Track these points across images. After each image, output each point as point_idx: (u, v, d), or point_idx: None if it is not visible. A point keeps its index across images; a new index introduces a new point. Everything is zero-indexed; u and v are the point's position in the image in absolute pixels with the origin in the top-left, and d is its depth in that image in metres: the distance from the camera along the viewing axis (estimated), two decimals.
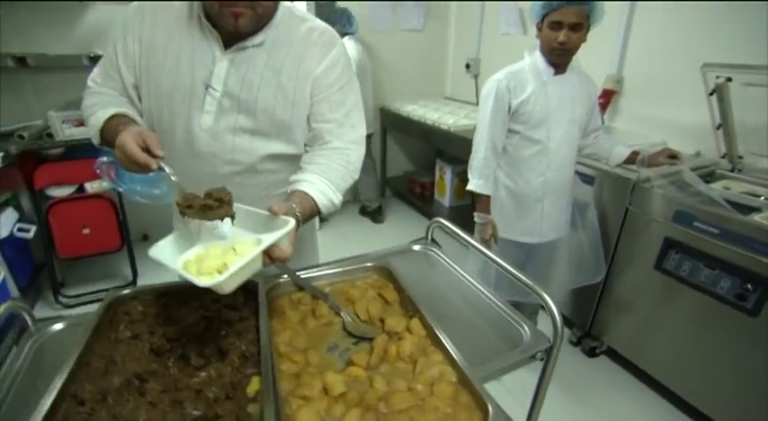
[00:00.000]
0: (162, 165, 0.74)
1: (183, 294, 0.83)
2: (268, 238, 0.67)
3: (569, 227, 1.66)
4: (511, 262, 1.57)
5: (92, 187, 2.18)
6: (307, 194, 0.86)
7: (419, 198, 3.46)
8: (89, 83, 0.95)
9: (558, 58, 1.37)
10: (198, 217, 0.70)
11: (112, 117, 0.85)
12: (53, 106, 2.11)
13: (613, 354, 1.94)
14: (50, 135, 2.05)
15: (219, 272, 0.63)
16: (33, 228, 2.05)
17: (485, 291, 0.96)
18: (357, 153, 0.97)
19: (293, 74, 0.90)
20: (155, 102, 0.90)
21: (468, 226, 1.59)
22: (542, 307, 0.80)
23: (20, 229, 2.00)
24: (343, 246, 2.98)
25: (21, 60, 1.90)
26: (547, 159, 1.46)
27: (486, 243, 1.57)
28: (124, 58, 0.89)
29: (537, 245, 1.59)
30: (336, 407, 0.62)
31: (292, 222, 0.71)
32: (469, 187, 1.52)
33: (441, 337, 0.72)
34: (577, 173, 1.72)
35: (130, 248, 2.33)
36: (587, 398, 1.76)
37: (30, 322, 0.83)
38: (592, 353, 1.95)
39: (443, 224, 1.09)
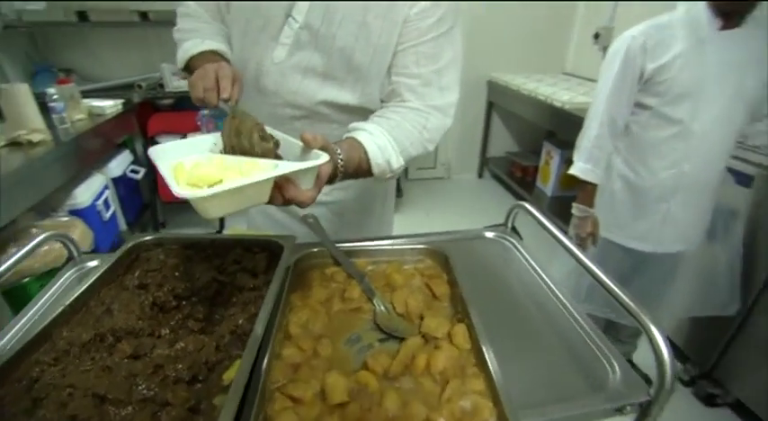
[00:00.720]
0: (222, 105, 0.65)
1: (207, 248, 0.75)
2: (284, 167, 0.53)
3: (704, 238, 1.27)
4: (611, 270, 1.28)
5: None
6: (360, 145, 0.71)
7: (519, 183, 3.11)
8: (180, 15, 0.89)
9: (736, 4, 0.99)
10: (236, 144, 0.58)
11: (210, 52, 0.80)
12: (170, 59, 2.26)
13: (741, 409, 1.50)
14: (162, 86, 2.20)
15: (211, 186, 0.50)
16: (143, 171, 2.25)
17: (567, 303, 0.73)
18: (439, 121, 0.80)
19: (382, 13, 0.74)
20: (235, 29, 0.83)
21: (570, 220, 1.30)
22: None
23: (132, 171, 2.21)
24: (423, 226, 2.82)
25: (144, 15, 2.04)
26: (686, 146, 1.10)
27: (581, 242, 1.28)
28: None
29: (651, 255, 1.24)
30: (328, 420, 0.48)
31: (324, 157, 0.56)
32: (572, 171, 1.23)
33: (487, 357, 0.53)
34: (729, 169, 1.31)
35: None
36: None
37: (75, 252, 0.83)
38: (709, 401, 1.54)
39: (529, 210, 0.86)
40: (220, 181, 0.49)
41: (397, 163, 0.75)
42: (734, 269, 1.30)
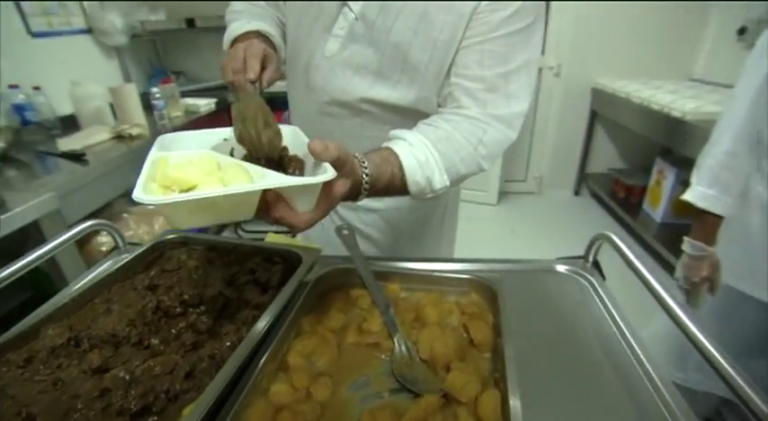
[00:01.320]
0: (249, 88, 0.58)
1: (229, 254, 0.70)
2: (269, 180, 0.43)
3: None
4: (741, 334, 0.99)
5: None
6: (396, 158, 0.60)
7: (622, 204, 2.70)
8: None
9: None
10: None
11: (254, 32, 0.75)
12: None
13: None
14: None
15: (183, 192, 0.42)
16: None
17: (656, 374, 0.53)
18: (500, 134, 0.66)
19: (446, 4, 0.63)
20: (290, 19, 0.78)
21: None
22: None
23: None
24: (505, 246, 2.56)
25: None
26: None
27: (692, 289, 0.99)
28: None
29: None
30: None
31: (325, 176, 0.44)
32: (688, 197, 0.97)
33: None
34: None
35: None
36: None
37: (120, 242, 0.84)
38: None
39: (614, 241, 0.67)
40: (194, 186, 0.41)
41: (441, 182, 0.62)
42: None
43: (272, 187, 0.42)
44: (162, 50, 2.63)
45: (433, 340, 0.54)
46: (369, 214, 0.89)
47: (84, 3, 2.02)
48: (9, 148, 1.50)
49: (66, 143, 1.52)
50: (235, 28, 0.76)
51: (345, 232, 0.71)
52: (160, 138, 0.53)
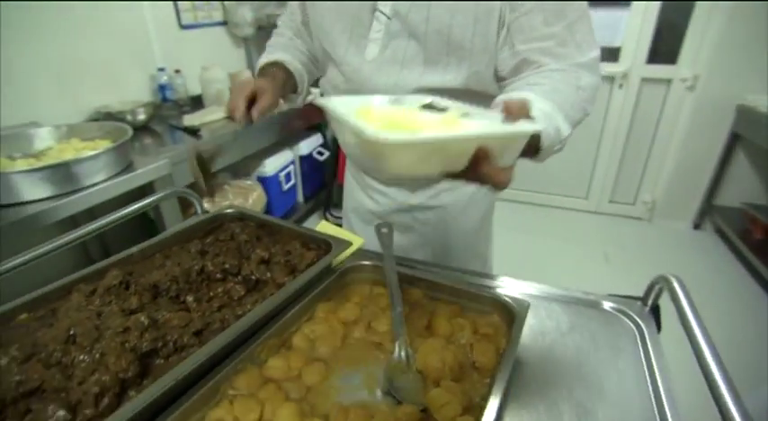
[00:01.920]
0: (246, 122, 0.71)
1: (276, 233, 0.76)
2: (498, 127, 0.42)
3: None
4: None
5: None
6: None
7: (755, 247, 2.25)
8: (278, 20, 0.96)
9: None
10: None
11: (271, 63, 0.85)
12: None
13: None
14: None
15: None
16: (327, 154, 2.54)
17: None
18: (591, 79, 0.67)
19: None
20: (318, 37, 0.82)
21: None
22: None
23: (318, 152, 2.52)
24: (590, 274, 2.32)
25: None
26: None
27: None
28: None
29: None
30: None
31: (538, 125, 0.47)
32: None
33: None
34: None
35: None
36: None
37: (198, 207, 0.96)
38: None
39: (674, 288, 0.58)
40: (417, 130, 0.41)
41: (566, 130, 0.60)
42: None
43: (503, 134, 0.41)
44: None
45: (430, 352, 0.53)
46: (424, 212, 0.92)
47: (225, 2, 2.32)
48: (149, 120, 1.80)
49: (189, 119, 1.78)
50: (263, 60, 0.87)
51: (384, 230, 0.72)
52: (321, 100, 0.48)
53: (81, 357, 0.45)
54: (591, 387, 0.53)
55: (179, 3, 2.07)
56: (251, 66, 2.61)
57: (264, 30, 2.54)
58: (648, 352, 0.57)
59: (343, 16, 0.76)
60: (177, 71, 2.03)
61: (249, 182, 1.96)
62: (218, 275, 0.66)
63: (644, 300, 0.66)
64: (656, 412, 0.49)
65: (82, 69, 1.72)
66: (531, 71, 0.69)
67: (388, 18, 0.72)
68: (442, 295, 0.65)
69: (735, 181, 2.57)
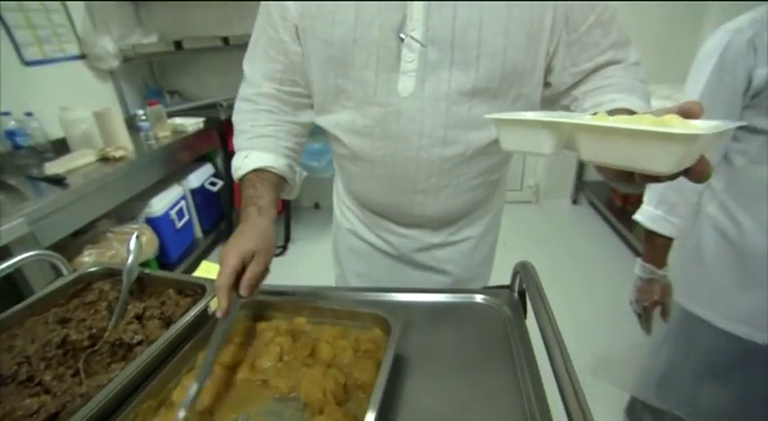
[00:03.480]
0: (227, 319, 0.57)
1: (149, 285, 0.72)
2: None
3: None
4: (698, 359, 0.95)
5: None
6: (629, 112, 0.55)
7: (618, 213, 2.64)
8: (244, 66, 0.76)
9: None
10: None
11: (253, 172, 0.70)
12: None
13: None
14: None
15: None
16: (220, 184, 2.43)
17: None
18: (642, 72, 0.67)
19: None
20: (324, 73, 0.68)
21: None
22: None
23: (210, 183, 2.41)
24: (498, 259, 2.51)
25: (225, 40, 2.23)
26: None
27: (644, 313, 0.96)
28: (283, 24, 0.68)
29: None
30: None
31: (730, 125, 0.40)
32: (637, 216, 0.95)
33: None
34: None
35: (288, 215, 2.54)
36: None
37: (64, 270, 0.87)
38: None
39: (531, 273, 0.66)
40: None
41: None
42: None
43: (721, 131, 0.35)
44: (158, 71, 2.72)
45: (311, 383, 0.54)
46: (443, 249, 0.85)
47: (78, 29, 2.11)
48: None
49: (52, 167, 1.59)
50: (237, 164, 0.72)
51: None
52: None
53: None
54: (471, 383, 0.58)
55: (15, 34, 1.84)
56: (122, 101, 2.42)
57: (132, 61, 2.37)
58: (516, 337, 0.64)
59: (362, 45, 0.63)
60: (29, 114, 1.80)
61: (135, 225, 1.81)
62: (86, 343, 0.60)
63: (511, 287, 0.74)
64: (525, 400, 0.54)
65: None
66: (595, 81, 0.66)
67: (423, 46, 0.61)
68: (324, 319, 0.66)
69: None
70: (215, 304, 0.57)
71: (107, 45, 2.16)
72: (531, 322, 0.64)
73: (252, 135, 0.73)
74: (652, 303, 0.93)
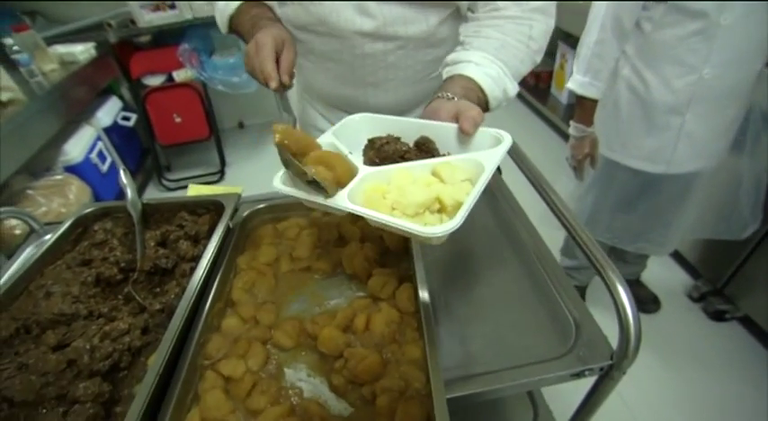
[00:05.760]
0: (282, 92, 0.62)
1: (154, 214, 0.72)
2: (486, 161, 0.46)
3: (728, 152, 1.12)
4: (615, 194, 1.19)
5: (178, 76, 2.20)
6: (472, 81, 0.63)
7: (532, 90, 2.86)
8: None
9: None
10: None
11: (246, 3, 0.73)
12: None
13: (749, 324, 1.47)
14: (134, 22, 2.04)
15: (429, 212, 0.44)
16: (134, 117, 2.19)
17: (543, 250, 0.67)
18: (544, 25, 0.69)
19: None
20: None
21: None
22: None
23: (123, 118, 2.16)
24: None
25: None
26: (708, 47, 0.91)
27: (578, 165, 1.16)
28: None
29: (662, 176, 1.11)
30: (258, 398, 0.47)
31: (509, 137, 0.50)
32: (569, 84, 1.09)
33: (424, 323, 0.49)
34: None
35: (218, 138, 2.41)
36: (696, 371, 1.37)
37: (36, 226, 0.82)
38: (718, 316, 1.50)
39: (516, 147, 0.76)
40: (437, 199, 0.44)
41: (513, 89, 0.67)
42: (759, 186, 1.17)
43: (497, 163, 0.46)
44: None
45: (351, 257, 0.62)
46: None
47: None
48: None
49: None
50: (224, 6, 0.74)
51: None
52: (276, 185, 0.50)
53: (37, 412, 0.42)
54: (479, 231, 0.71)
55: None
56: None
57: None
58: (498, 192, 0.78)
59: None
60: None
61: (59, 176, 1.63)
62: (119, 277, 0.62)
63: None
64: (526, 233, 0.69)
65: None
66: (486, 12, 0.69)
67: None
68: None
69: None
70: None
71: None
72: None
73: None
74: (584, 155, 1.13)
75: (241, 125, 2.97)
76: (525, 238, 0.70)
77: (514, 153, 0.72)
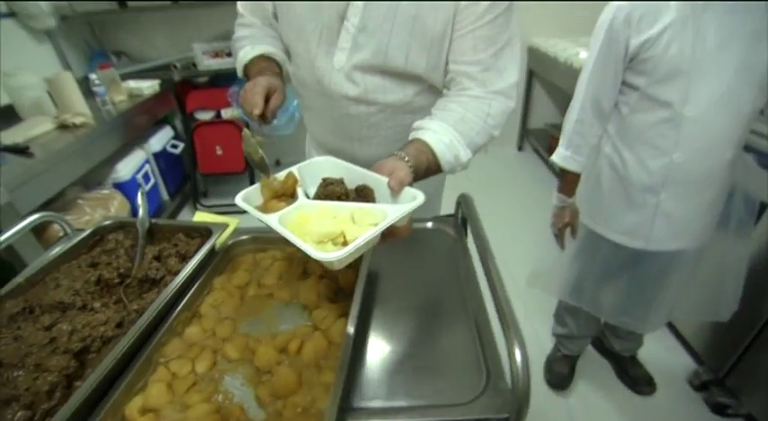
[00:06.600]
0: (261, 123, 0.72)
1: (158, 232, 0.85)
2: (394, 212, 0.55)
3: (711, 233, 1.14)
4: (597, 265, 1.22)
5: (225, 114, 2.47)
6: (426, 145, 0.73)
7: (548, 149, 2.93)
8: (239, 9, 0.93)
9: None
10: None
11: (259, 56, 0.85)
12: (200, 39, 2.40)
13: None
14: (195, 65, 2.35)
15: (333, 242, 0.54)
16: (181, 146, 2.46)
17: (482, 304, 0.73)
18: (502, 105, 0.79)
19: (435, 4, 0.73)
20: (288, 34, 0.86)
21: None
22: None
23: (172, 145, 2.43)
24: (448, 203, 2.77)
25: None
26: (677, 133, 0.98)
27: (559, 234, 1.21)
28: None
29: (643, 252, 1.14)
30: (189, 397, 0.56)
31: (421, 198, 0.59)
32: (553, 157, 1.16)
33: (342, 353, 0.57)
34: (753, 151, 1.15)
35: (252, 173, 2.62)
36: None
37: (68, 229, 0.98)
38: (719, 410, 1.42)
39: (470, 204, 0.86)
40: (341, 233, 0.53)
41: (466, 156, 0.76)
42: (741, 268, 1.17)
43: (401, 216, 0.55)
44: (99, 31, 2.60)
45: (307, 290, 0.72)
46: None
47: None
48: None
49: (8, 136, 1.58)
50: (242, 56, 0.86)
51: None
52: (238, 200, 0.65)
53: (16, 374, 0.54)
54: (428, 280, 0.79)
55: None
56: (66, 64, 2.32)
57: (70, 20, 2.26)
58: (459, 252, 0.85)
59: (315, 20, 0.78)
60: None
61: (106, 190, 1.86)
62: (117, 280, 0.75)
63: (455, 216, 0.94)
64: (466, 299, 0.76)
65: None
66: (455, 91, 0.79)
67: (358, 30, 0.76)
68: None
69: (539, 107, 3.22)
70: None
71: (39, 2, 2.05)
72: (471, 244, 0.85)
73: (254, 39, 0.89)
74: (564, 225, 1.18)
75: (278, 163, 3.21)
76: (469, 299, 0.76)
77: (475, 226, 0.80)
